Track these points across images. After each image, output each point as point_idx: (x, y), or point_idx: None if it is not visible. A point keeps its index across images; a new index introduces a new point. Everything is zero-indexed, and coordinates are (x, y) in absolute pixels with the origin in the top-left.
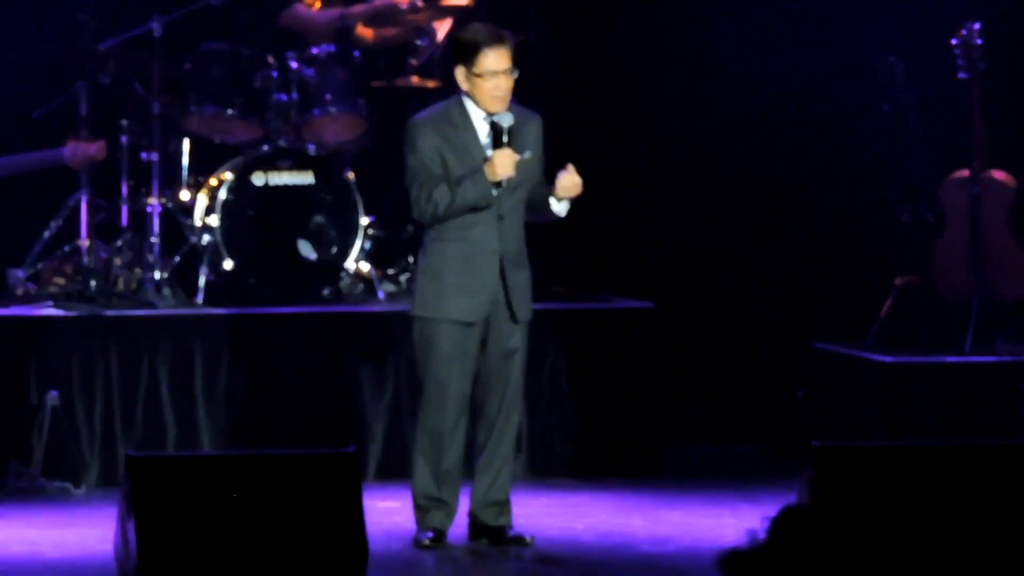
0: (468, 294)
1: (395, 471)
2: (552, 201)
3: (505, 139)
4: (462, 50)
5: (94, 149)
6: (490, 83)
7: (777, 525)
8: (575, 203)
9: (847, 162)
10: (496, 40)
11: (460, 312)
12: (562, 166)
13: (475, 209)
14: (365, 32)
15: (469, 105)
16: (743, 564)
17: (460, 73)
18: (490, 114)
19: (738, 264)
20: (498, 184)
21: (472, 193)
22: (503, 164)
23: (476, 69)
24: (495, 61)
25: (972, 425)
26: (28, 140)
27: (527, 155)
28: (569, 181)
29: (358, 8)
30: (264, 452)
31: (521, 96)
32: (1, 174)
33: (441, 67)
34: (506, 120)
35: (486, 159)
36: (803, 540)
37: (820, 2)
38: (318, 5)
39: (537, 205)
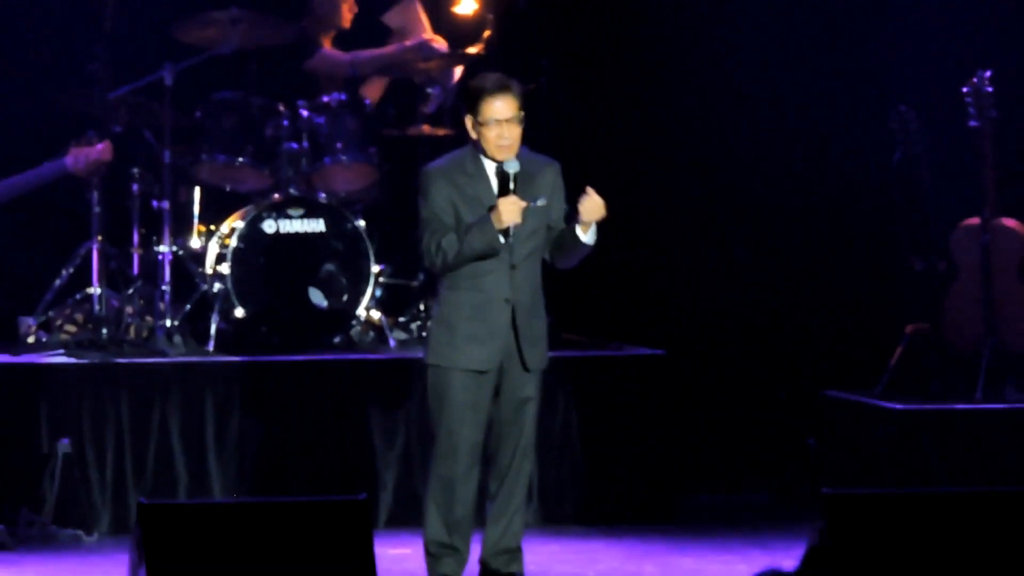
0: (480, 343)
1: (406, 519)
2: (579, 232)
3: (512, 186)
4: (469, 99)
5: (98, 151)
6: (494, 131)
7: None
8: (594, 255)
9: (859, 211)
10: (500, 88)
11: (472, 361)
12: (579, 197)
13: (484, 257)
14: (373, 89)
15: (481, 154)
16: None
17: (469, 122)
18: (498, 162)
19: (750, 312)
20: (505, 231)
21: (479, 241)
22: (508, 211)
23: (481, 117)
24: (500, 109)
25: (983, 473)
26: (37, 194)
27: (540, 202)
28: (591, 203)
29: (370, 53)
30: (275, 500)
31: (533, 142)
32: (4, 197)
33: (452, 116)
34: (512, 167)
35: (492, 207)
36: None
37: (832, 53)
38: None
39: (566, 244)
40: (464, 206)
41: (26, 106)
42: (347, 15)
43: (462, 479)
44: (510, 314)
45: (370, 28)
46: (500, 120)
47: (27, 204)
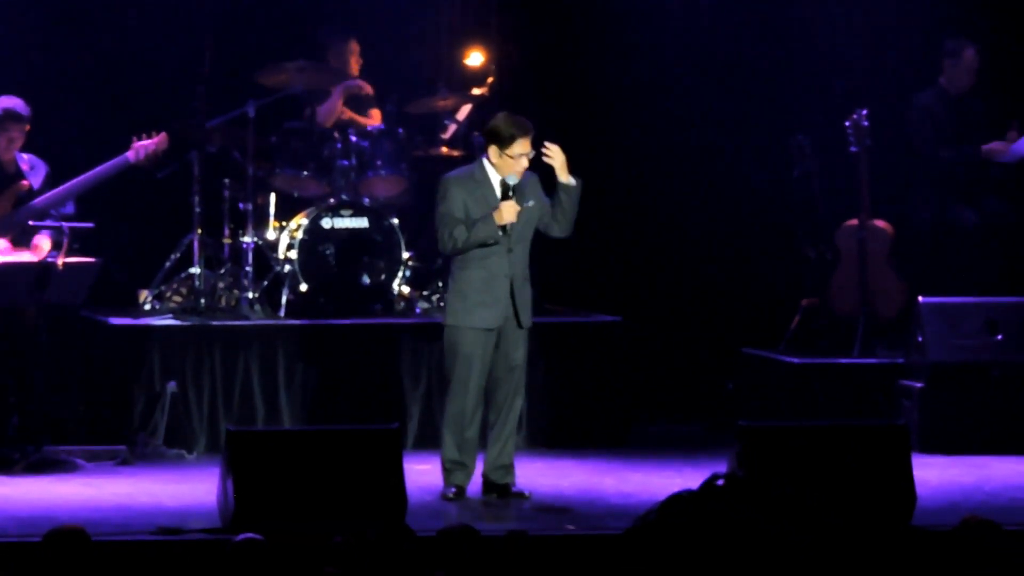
0: (488, 307)
1: (427, 442)
2: (563, 182)
3: (510, 194)
4: (499, 135)
5: (154, 144)
6: (518, 162)
7: (666, 506)
8: (570, 243)
9: (768, 213)
10: (526, 132)
11: (482, 321)
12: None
13: (486, 244)
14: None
15: (488, 168)
16: (633, 541)
17: (493, 151)
18: (501, 176)
19: (687, 288)
20: (503, 227)
21: (483, 232)
22: (508, 212)
23: (511, 151)
24: (523, 147)
25: (857, 411)
26: (153, 197)
27: (530, 204)
28: (552, 151)
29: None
30: (329, 427)
31: None
32: (82, 189)
33: (463, 141)
34: (511, 180)
35: (495, 207)
36: (687, 522)
37: (752, 95)
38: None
39: (563, 202)
40: (473, 205)
41: (146, 131)
42: (355, 66)
43: (470, 412)
44: (509, 286)
45: (373, 74)
46: (523, 154)
47: (144, 205)
